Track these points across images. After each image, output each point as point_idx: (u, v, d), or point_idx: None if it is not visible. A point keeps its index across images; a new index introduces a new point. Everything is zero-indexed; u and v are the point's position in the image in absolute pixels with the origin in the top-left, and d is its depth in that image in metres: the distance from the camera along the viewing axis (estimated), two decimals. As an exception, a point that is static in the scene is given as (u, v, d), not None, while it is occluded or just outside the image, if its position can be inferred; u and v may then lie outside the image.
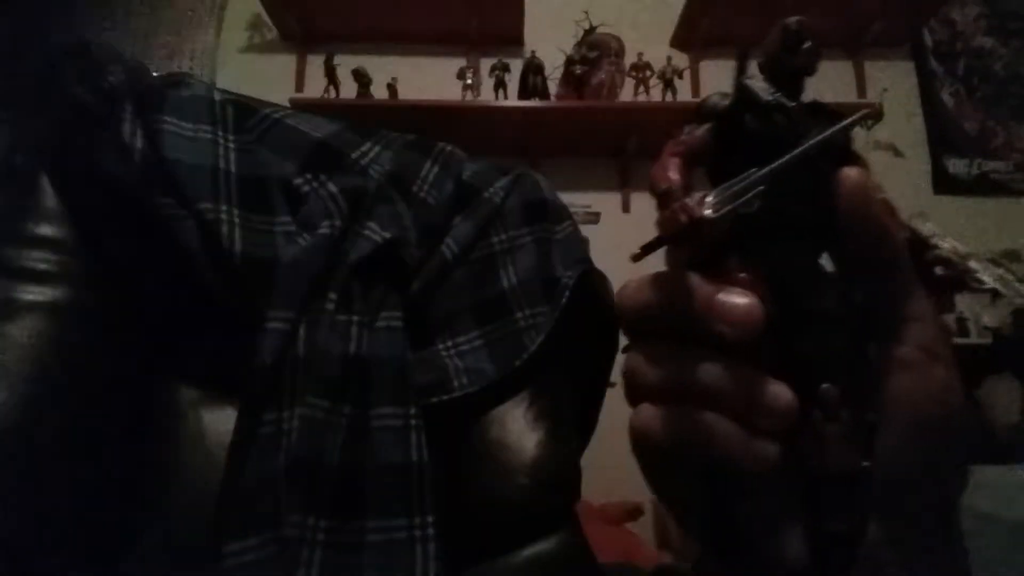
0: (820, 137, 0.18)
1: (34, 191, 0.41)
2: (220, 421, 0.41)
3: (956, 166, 1.89)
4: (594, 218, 1.70)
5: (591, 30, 1.70)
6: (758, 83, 0.19)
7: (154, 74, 0.45)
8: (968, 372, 1.51)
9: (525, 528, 0.49)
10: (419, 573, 0.38)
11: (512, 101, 1.68)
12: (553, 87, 1.74)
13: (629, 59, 1.73)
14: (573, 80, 1.67)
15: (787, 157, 0.18)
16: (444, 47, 1.85)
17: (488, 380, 0.48)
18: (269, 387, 0.38)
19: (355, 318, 0.42)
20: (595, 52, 1.68)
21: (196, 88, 0.46)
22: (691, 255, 0.19)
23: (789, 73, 0.19)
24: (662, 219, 0.18)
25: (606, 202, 1.78)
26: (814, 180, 0.18)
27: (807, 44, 0.19)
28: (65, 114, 0.41)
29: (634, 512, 1.50)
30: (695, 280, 0.18)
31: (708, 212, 0.17)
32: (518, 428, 0.50)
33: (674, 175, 0.19)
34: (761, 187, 0.17)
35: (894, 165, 1.88)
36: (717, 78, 1.89)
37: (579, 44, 1.69)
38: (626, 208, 1.82)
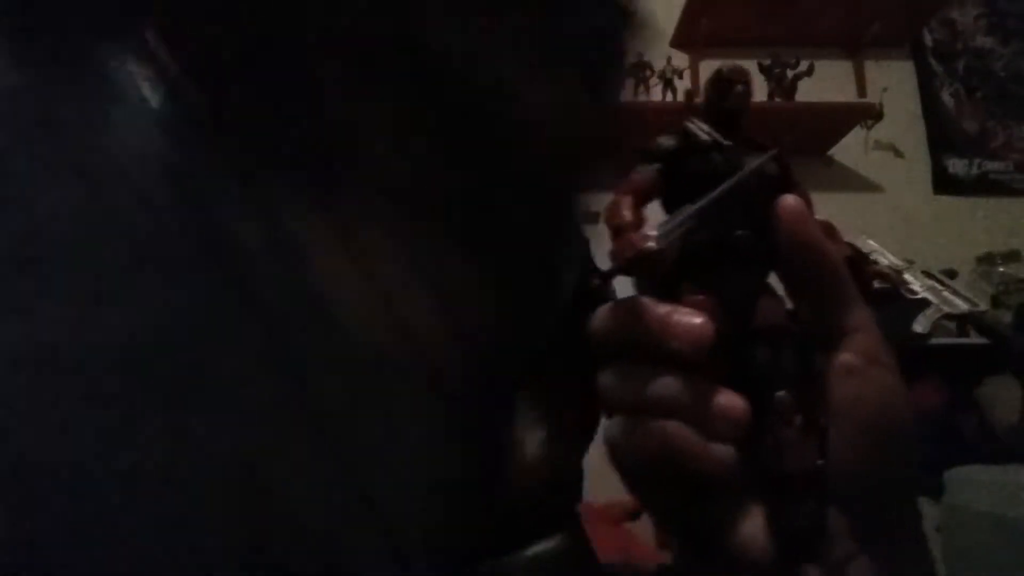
0: (741, 174, 0.20)
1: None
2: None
3: (956, 166, 1.89)
4: (594, 218, 1.70)
5: (591, 30, 1.70)
6: (699, 125, 0.22)
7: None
8: (968, 372, 1.52)
9: (526, 527, 0.49)
10: (416, 571, 0.38)
11: (512, 101, 1.67)
12: (553, 87, 1.73)
13: (629, 59, 1.73)
14: (573, 80, 1.67)
15: (715, 192, 0.20)
16: (444, 47, 1.85)
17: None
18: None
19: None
20: (595, 52, 1.68)
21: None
22: (650, 282, 0.22)
23: (725, 115, 0.22)
24: (612, 252, 0.21)
25: (606, 202, 1.77)
26: (756, 208, 0.21)
27: (738, 88, 0.21)
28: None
29: (634, 512, 1.50)
30: (651, 304, 0.20)
31: (651, 244, 0.19)
32: (519, 428, 0.50)
33: (625, 212, 0.21)
34: (695, 220, 0.20)
35: (894, 165, 1.87)
36: (717, 78, 1.89)
37: (579, 44, 1.69)
38: (626, 208, 1.81)
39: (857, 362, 0.20)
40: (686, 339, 0.19)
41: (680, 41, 1.92)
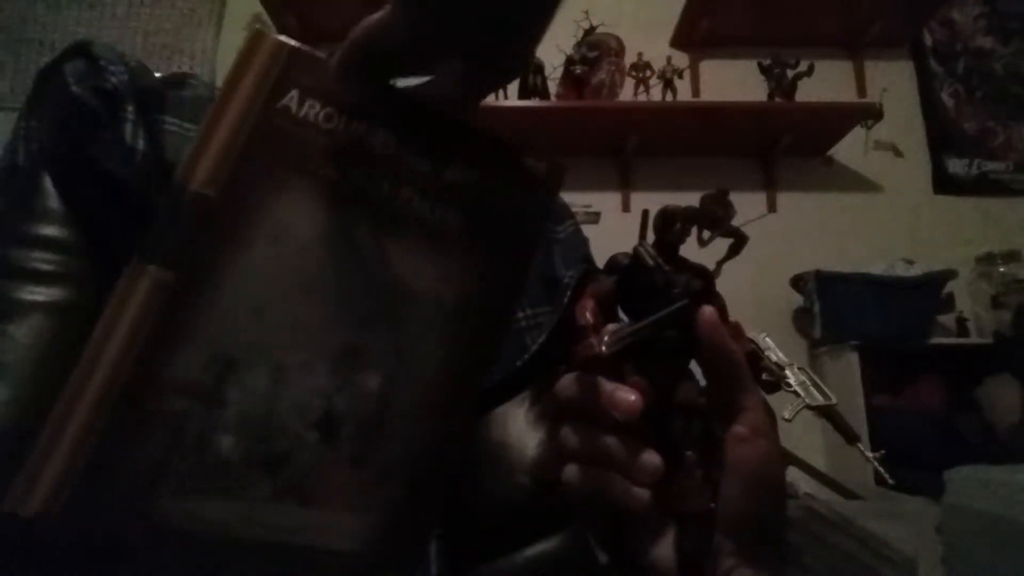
0: (670, 310, 0.27)
1: (36, 192, 0.41)
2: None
3: (956, 166, 1.89)
4: (594, 218, 1.70)
5: (591, 30, 1.70)
6: (647, 249, 0.29)
7: (155, 74, 0.45)
8: (968, 372, 1.52)
9: (526, 527, 0.49)
10: (420, 573, 0.38)
11: (512, 101, 1.68)
12: (553, 87, 1.74)
13: (629, 59, 1.73)
14: (573, 80, 1.67)
15: (651, 319, 0.27)
16: (444, 47, 1.85)
17: (490, 380, 0.48)
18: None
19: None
20: (595, 52, 1.68)
21: (197, 88, 0.46)
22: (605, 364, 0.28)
23: (667, 244, 0.28)
24: (573, 351, 0.28)
25: (606, 202, 1.78)
26: (683, 315, 0.27)
27: (676, 226, 0.28)
28: (67, 115, 0.41)
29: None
30: (601, 382, 0.27)
31: (601, 350, 0.27)
32: (519, 428, 0.50)
33: (588, 316, 0.28)
34: (632, 336, 0.27)
35: (894, 165, 1.88)
36: (717, 77, 1.89)
37: (579, 44, 1.69)
38: (626, 208, 1.82)
39: (746, 433, 0.27)
40: (623, 410, 0.26)
41: (680, 41, 1.92)
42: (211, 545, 0.24)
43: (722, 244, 0.31)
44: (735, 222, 0.31)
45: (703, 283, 0.28)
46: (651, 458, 0.27)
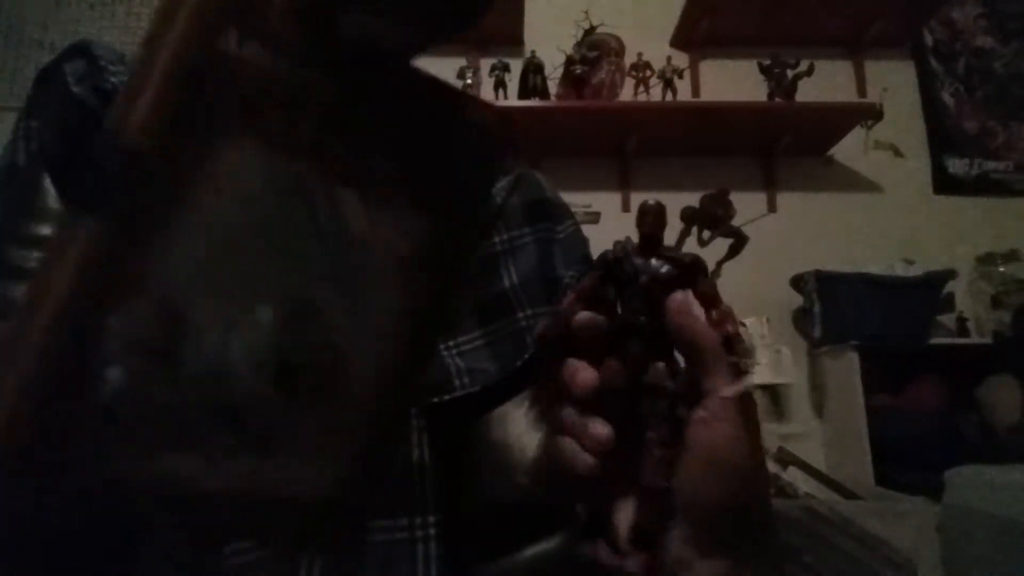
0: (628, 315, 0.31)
1: (37, 191, 0.41)
2: (222, 421, 0.41)
3: (956, 166, 1.89)
4: (594, 218, 1.70)
5: (591, 30, 1.70)
6: (622, 243, 0.31)
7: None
8: (968, 372, 1.52)
9: (526, 527, 0.49)
10: (420, 573, 0.38)
11: (512, 101, 1.68)
12: (553, 87, 1.74)
13: (629, 59, 1.73)
14: (573, 80, 1.67)
15: (565, 306, 0.31)
16: (444, 47, 1.85)
17: (490, 380, 0.48)
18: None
19: (356, 318, 0.42)
20: (595, 52, 1.68)
21: (197, 88, 0.46)
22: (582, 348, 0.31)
23: (645, 236, 0.31)
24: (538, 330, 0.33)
25: (606, 202, 1.78)
26: (657, 302, 0.29)
27: (648, 218, 0.30)
28: (67, 114, 0.41)
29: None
30: (572, 363, 0.30)
31: (543, 332, 0.32)
32: (519, 428, 0.50)
33: (564, 305, 0.31)
34: (564, 315, 0.31)
35: (894, 165, 1.88)
36: (717, 77, 1.89)
37: (579, 44, 1.69)
38: (626, 208, 1.82)
39: (705, 416, 0.28)
40: (577, 385, 0.29)
41: (680, 41, 1.92)
42: (174, 500, 0.24)
43: (722, 244, 0.32)
44: (735, 222, 0.31)
45: (677, 270, 0.30)
46: (597, 427, 0.29)
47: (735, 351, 0.29)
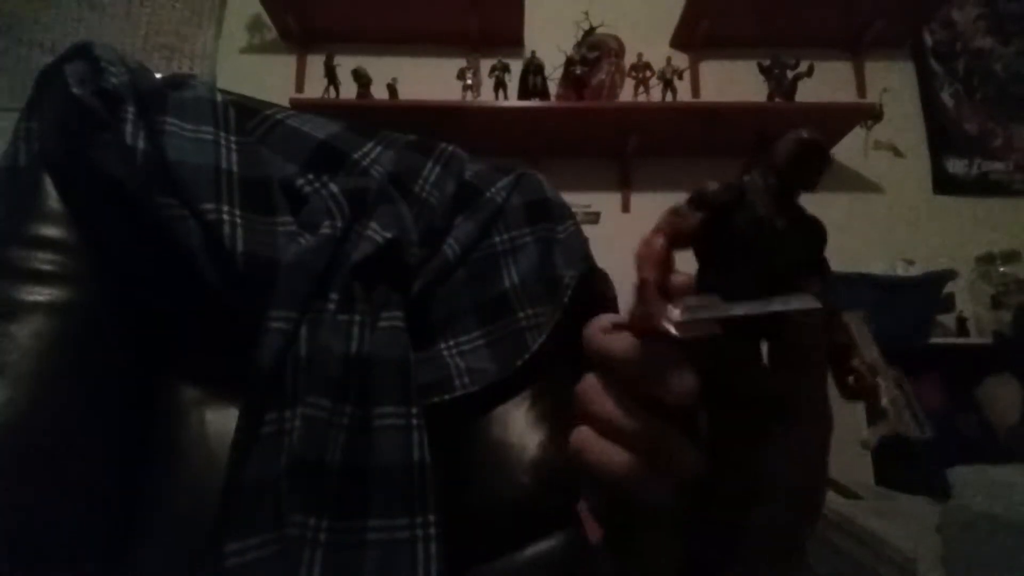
0: (783, 305, 0.19)
1: (37, 192, 0.41)
2: (222, 420, 0.41)
3: (956, 166, 1.89)
4: (594, 218, 1.70)
5: (591, 30, 1.70)
6: (757, 188, 0.20)
7: (156, 75, 0.46)
8: (968, 372, 1.52)
9: (526, 527, 0.49)
10: (420, 572, 0.38)
11: (512, 101, 1.68)
12: (553, 87, 1.74)
13: (629, 59, 1.73)
14: (573, 80, 1.67)
15: (756, 310, 0.19)
16: (444, 47, 1.85)
17: (490, 380, 0.48)
18: (271, 387, 0.38)
19: (357, 318, 0.42)
20: (595, 52, 1.68)
21: (198, 89, 0.46)
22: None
23: (789, 187, 0.20)
24: (632, 317, 0.20)
25: (606, 202, 1.78)
26: (786, 284, 0.20)
27: (819, 169, 0.19)
28: (68, 116, 0.41)
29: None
30: (662, 349, 0.20)
31: (671, 330, 0.18)
32: (520, 428, 0.50)
33: (650, 270, 0.20)
34: (719, 324, 0.19)
35: (894, 165, 1.88)
36: (717, 78, 1.89)
37: (579, 44, 1.69)
38: (626, 208, 1.82)
39: (798, 444, 0.22)
40: (679, 395, 0.19)
41: (680, 41, 1.92)
42: None
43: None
44: None
45: (818, 250, 0.21)
46: (691, 458, 0.21)
47: (849, 368, 0.22)
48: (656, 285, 0.20)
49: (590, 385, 0.22)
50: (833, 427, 0.23)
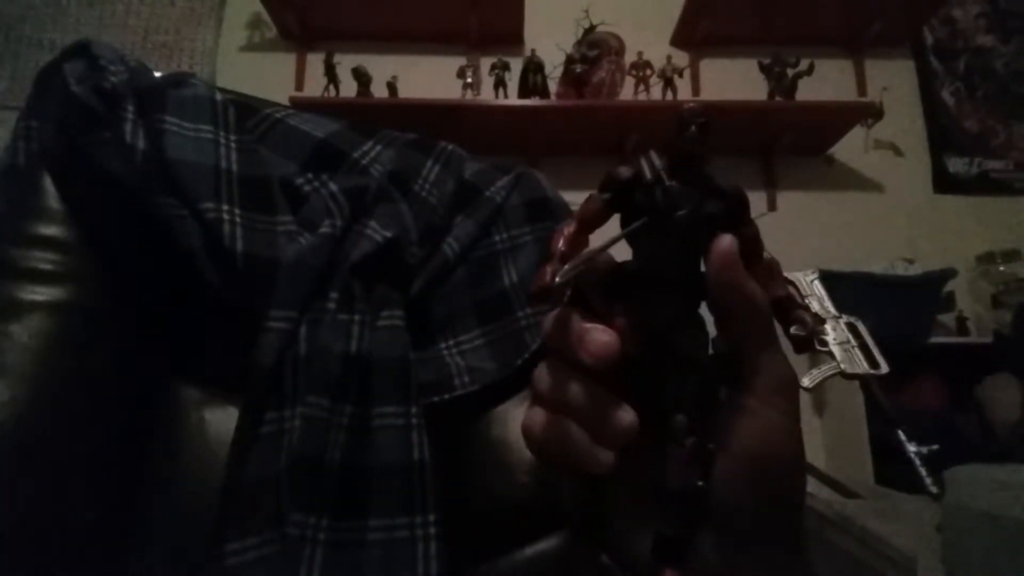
0: (630, 229, 0.22)
1: (36, 191, 0.41)
2: (222, 420, 0.41)
3: (956, 165, 1.89)
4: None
5: (591, 29, 1.70)
6: (652, 160, 0.22)
7: (155, 74, 0.45)
8: (968, 372, 1.52)
9: (526, 527, 0.49)
10: (420, 572, 0.38)
11: (512, 100, 1.68)
12: (553, 86, 1.73)
13: (629, 58, 1.73)
14: (573, 79, 1.67)
15: (608, 241, 0.22)
16: (444, 46, 1.85)
17: (490, 379, 0.48)
18: (270, 386, 0.38)
19: (356, 317, 0.42)
20: (595, 51, 1.68)
21: (198, 88, 0.46)
22: (590, 299, 0.24)
23: (680, 153, 0.22)
24: (536, 290, 0.22)
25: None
26: (692, 245, 0.22)
27: (691, 129, 0.21)
28: (67, 114, 0.41)
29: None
30: (575, 318, 0.22)
31: (550, 280, 0.21)
32: (519, 427, 0.50)
33: (559, 243, 0.22)
34: (583, 261, 0.21)
35: (894, 164, 1.88)
36: (717, 77, 1.89)
37: (579, 43, 1.69)
38: (626, 207, 1.82)
39: (752, 402, 0.22)
40: (591, 353, 0.21)
41: (680, 40, 1.92)
42: None
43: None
44: None
45: (724, 207, 0.22)
46: (623, 414, 0.21)
47: (793, 319, 0.23)
48: (561, 259, 0.22)
49: (538, 368, 0.24)
50: (798, 400, 0.23)
